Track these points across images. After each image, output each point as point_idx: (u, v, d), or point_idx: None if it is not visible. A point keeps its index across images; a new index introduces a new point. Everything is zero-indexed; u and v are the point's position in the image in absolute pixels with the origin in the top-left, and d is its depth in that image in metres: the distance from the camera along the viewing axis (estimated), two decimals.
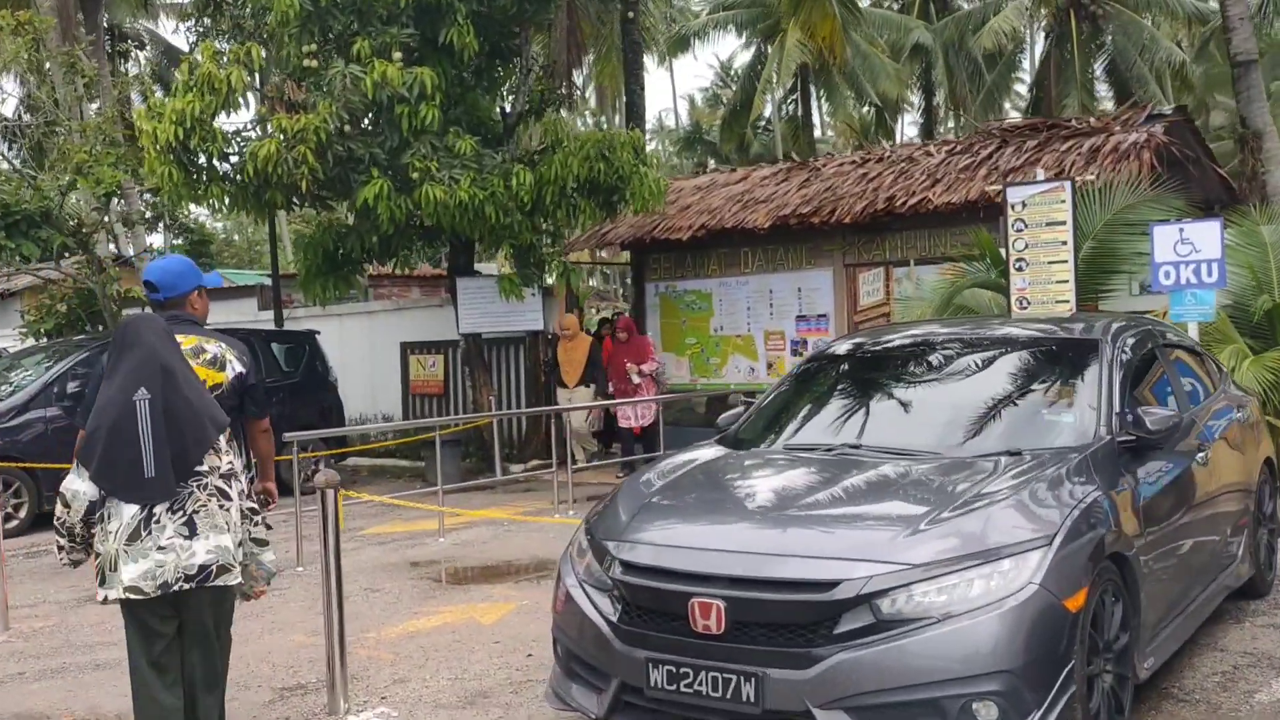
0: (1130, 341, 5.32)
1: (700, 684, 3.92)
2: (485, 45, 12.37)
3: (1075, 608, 3.84)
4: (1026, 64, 35.41)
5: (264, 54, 11.59)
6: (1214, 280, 8.62)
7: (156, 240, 22.66)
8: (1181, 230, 8.77)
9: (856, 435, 5.03)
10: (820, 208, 12.67)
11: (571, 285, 13.33)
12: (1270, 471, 6.56)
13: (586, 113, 40.17)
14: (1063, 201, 9.24)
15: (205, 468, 3.98)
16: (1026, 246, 9.33)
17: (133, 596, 3.89)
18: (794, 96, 36.33)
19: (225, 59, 11.27)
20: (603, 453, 14.26)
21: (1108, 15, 28.95)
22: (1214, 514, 5.42)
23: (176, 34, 49.78)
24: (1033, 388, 5.20)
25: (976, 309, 10.07)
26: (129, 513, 3.88)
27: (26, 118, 17.27)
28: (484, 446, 13.57)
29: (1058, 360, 5.32)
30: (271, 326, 15.39)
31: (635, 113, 19.42)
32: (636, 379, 12.62)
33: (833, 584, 3.79)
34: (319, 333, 13.99)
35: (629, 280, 32.56)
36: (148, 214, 16.29)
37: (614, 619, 4.21)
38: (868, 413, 5.34)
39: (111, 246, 17.41)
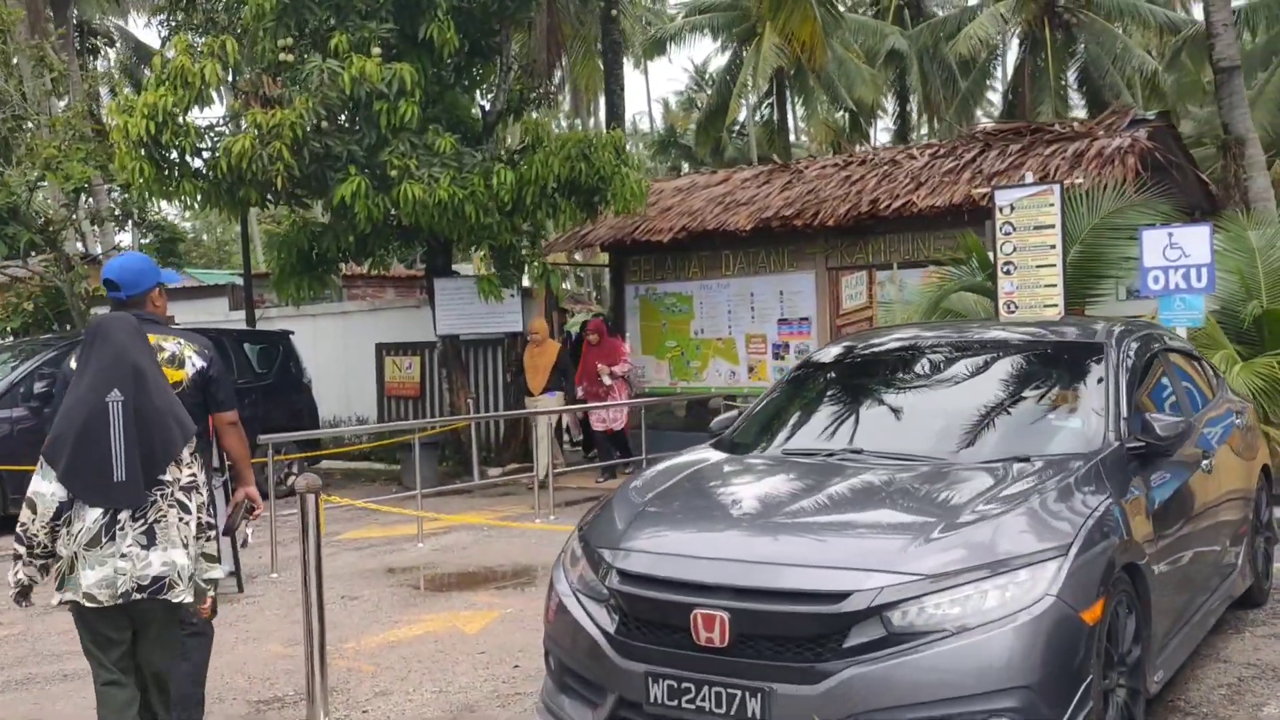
0: (1134, 346, 5.21)
1: (703, 700, 3.76)
2: (465, 42, 12.18)
3: (1093, 620, 3.71)
4: (1000, 71, 35.55)
5: (238, 48, 11.34)
6: (1203, 285, 8.56)
7: (125, 239, 22.31)
8: (1170, 235, 8.71)
9: (857, 440, 4.88)
10: (803, 210, 12.55)
11: (551, 287, 13.13)
12: (1267, 479, 6.48)
13: (560, 115, 40.02)
14: (1051, 205, 9.16)
15: (169, 478, 3.83)
16: (1014, 250, 9.24)
17: (87, 604, 3.74)
18: (769, 101, 36.37)
19: (199, 52, 11.02)
20: (584, 457, 14.09)
21: (1081, 24, 29.13)
22: (1218, 522, 5.32)
23: (149, 28, 49.25)
24: (1037, 392, 5.07)
25: (964, 313, 9.97)
26: (92, 516, 3.72)
27: None
28: (461, 449, 13.37)
29: (1062, 364, 5.20)
30: (244, 327, 15.12)
31: (615, 113, 19.24)
32: (608, 380, 12.44)
33: (843, 595, 3.64)
34: (293, 333, 13.74)
35: (604, 283, 32.58)
36: (116, 211, 15.97)
37: (611, 630, 4.04)
38: (868, 417, 5.20)
39: (79, 245, 17.08)
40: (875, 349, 5.76)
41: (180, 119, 10.94)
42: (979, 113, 35.58)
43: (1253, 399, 7.98)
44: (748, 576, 3.81)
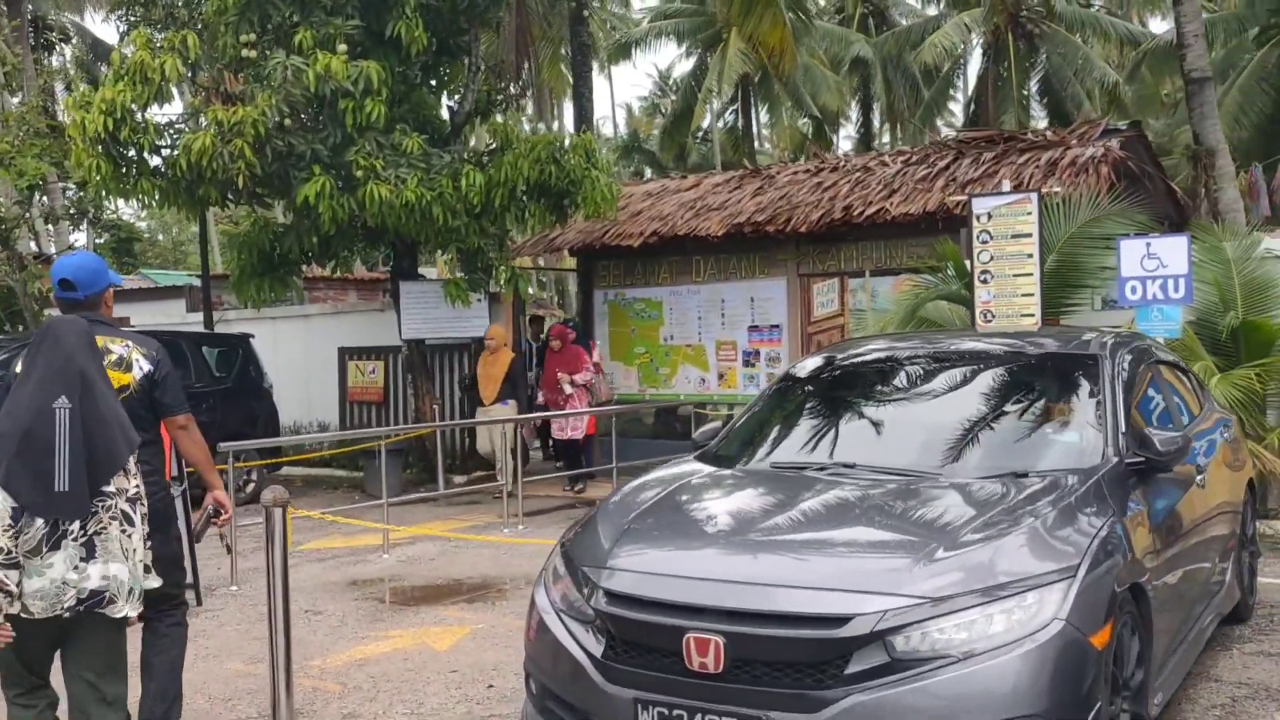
0: (1128, 357, 5.10)
1: None
2: (433, 41, 11.95)
3: (1101, 644, 3.57)
4: (962, 81, 35.75)
5: (199, 43, 11.04)
6: (1181, 296, 8.50)
7: (79, 238, 21.82)
8: (1149, 245, 8.64)
9: (848, 454, 4.71)
10: (775, 216, 12.41)
11: (520, 291, 12.89)
12: (1252, 492, 6.40)
13: (524, 119, 39.75)
14: (1029, 213, 9.06)
15: (113, 489, 3.67)
16: (991, 259, 9.14)
17: (22, 615, 3.55)
18: (734, 107, 36.35)
19: (159, 47, 10.71)
20: (555, 466, 13.88)
21: (1044, 34, 29.34)
22: (1210, 537, 5.22)
23: (107, 23, 48.38)
24: (1032, 405, 4.94)
25: (940, 322, 9.86)
26: (36, 524, 3.55)
27: None
28: (426, 456, 13.10)
29: (1056, 377, 5.07)
30: (202, 329, 14.75)
31: (583, 116, 19.04)
32: (569, 389, 12.20)
33: (845, 619, 3.47)
34: (253, 336, 13.41)
35: (567, 287, 32.37)
36: (71, 210, 15.56)
37: (597, 654, 3.85)
38: (858, 430, 5.04)
39: (32, 244, 16.65)
40: (863, 359, 5.60)
41: (139, 115, 10.67)
42: (940, 122, 35.77)
43: (1231, 411, 7.92)
44: (743, 598, 3.63)
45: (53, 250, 16.58)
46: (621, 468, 11.58)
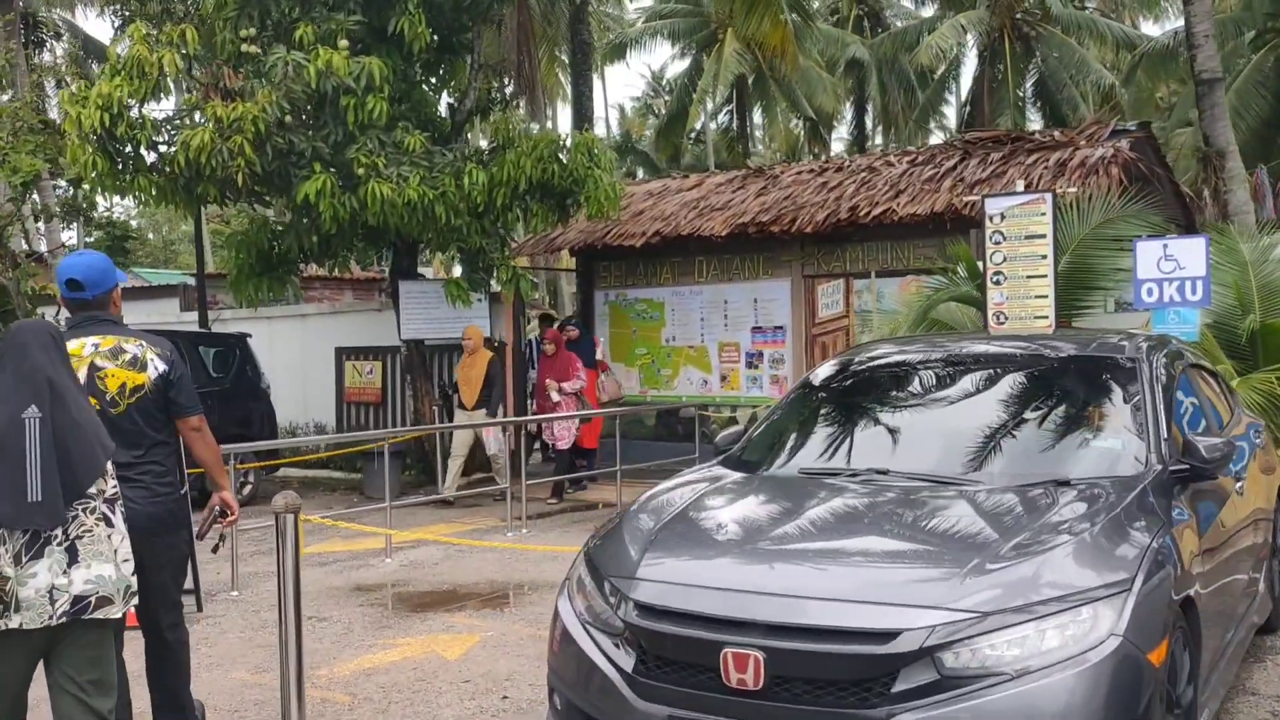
0: (1165, 361, 4.95)
1: None
2: (435, 38, 11.77)
3: (1159, 661, 3.43)
4: (957, 84, 35.68)
5: (198, 38, 10.84)
6: (1198, 299, 8.37)
7: (70, 236, 21.58)
8: (1165, 246, 8.52)
9: (881, 460, 4.55)
10: (780, 216, 12.25)
11: (521, 292, 12.73)
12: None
13: (518, 118, 39.52)
14: (1042, 214, 8.91)
15: (92, 490, 3.55)
16: (1004, 259, 8.98)
17: (10, 629, 3.41)
18: (729, 108, 36.23)
19: (157, 41, 10.51)
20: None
21: (1040, 37, 29.29)
22: (1248, 546, 5.08)
23: (101, 18, 48.04)
24: (1070, 410, 4.78)
25: (950, 323, 9.72)
26: (15, 534, 3.42)
27: None
28: (425, 458, 12.92)
29: (1093, 380, 4.90)
30: (198, 329, 14.55)
31: (583, 115, 18.85)
32: (556, 397, 11.99)
33: (892, 634, 3.31)
34: (251, 336, 13.22)
35: (560, 286, 32.13)
36: (65, 207, 15.31)
37: (628, 669, 3.69)
38: (890, 434, 4.87)
39: (24, 242, 16.41)
40: (891, 361, 5.43)
41: (136, 111, 10.45)
42: (931, 125, 35.69)
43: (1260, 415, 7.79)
44: (784, 612, 3.47)
45: (44, 248, 16.33)
46: (624, 470, 11.40)
